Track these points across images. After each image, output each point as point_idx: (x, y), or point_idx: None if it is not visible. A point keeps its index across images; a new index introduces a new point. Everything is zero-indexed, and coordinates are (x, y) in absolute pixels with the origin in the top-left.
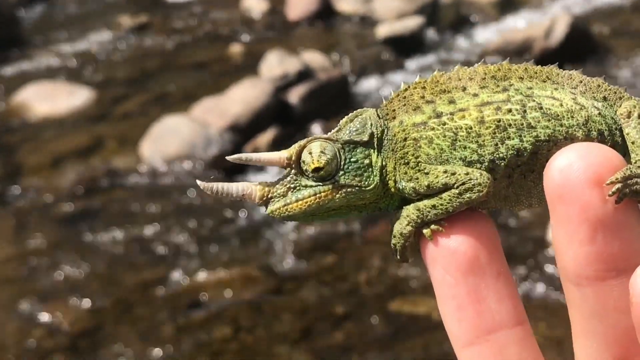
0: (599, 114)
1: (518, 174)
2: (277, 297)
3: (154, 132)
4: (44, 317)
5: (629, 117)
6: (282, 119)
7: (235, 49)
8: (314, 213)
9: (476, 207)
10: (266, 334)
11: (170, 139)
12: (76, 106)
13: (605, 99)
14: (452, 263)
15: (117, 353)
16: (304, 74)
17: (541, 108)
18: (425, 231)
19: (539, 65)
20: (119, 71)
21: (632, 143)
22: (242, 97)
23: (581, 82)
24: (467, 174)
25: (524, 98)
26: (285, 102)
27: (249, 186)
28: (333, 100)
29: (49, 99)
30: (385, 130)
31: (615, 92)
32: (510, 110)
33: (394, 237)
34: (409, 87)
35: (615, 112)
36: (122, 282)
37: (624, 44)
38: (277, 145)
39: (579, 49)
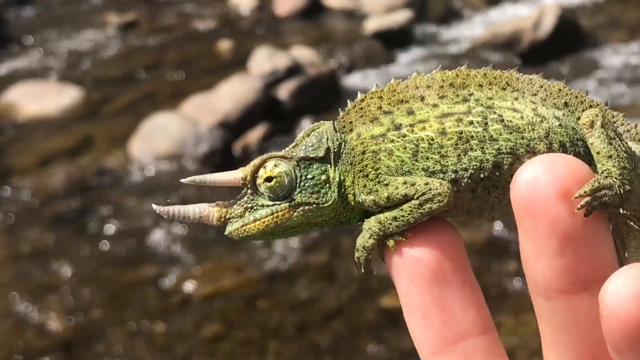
0: (560, 124)
1: (482, 189)
2: (269, 294)
3: (143, 130)
4: (35, 317)
5: (592, 126)
6: (272, 115)
7: (224, 45)
8: (273, 232)
9: (440, 216)
10: (258, 331)
11: (160, 137)
12: (65, 105)
13: (566, 104)
14: (416, 273)
15: (108, 352)
16: (293, 70)
17: (502, 120)
18: (389, 242)
19: (498, 70)
20: (108, 70)
21: (598, 153)
22: (232, 94)
23: (542, 87)
24: (426, 184)
25: (485, 110)
26: (275, 98)
27: (206, 208)
28: (323, 95)
29: (38, 99)
30: (343, 144)
31: (576, 97)
32: (471, 123)
33: (357, 250)
34: (365, 97)
35: (577, 118)
36: (113, 281)
37: (611, 35)
38: (267, 141)
39: (567, 40)
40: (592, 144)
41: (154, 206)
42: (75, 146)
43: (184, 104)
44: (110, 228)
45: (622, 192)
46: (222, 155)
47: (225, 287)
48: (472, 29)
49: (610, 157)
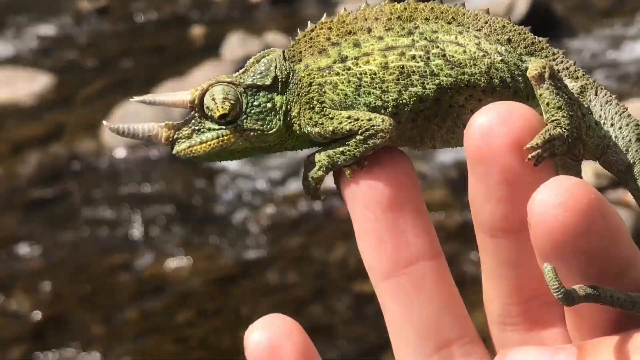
0: (502, 60)
1: (422, 118)
2: (242, 281)
3: (115, 116)
4: (7, 304)
5: (540, 78)
6: None
7: (197, 31)
8: (219, 154)
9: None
10: (231, 317)
11: (133, 123)
12: (36, 92)
13: (509, 40)
14: (371, 199)
15: (82, 339)
16: None
17: (444, 55)
18: (346, 171)
19: (446, 5)
20: (79, 56)
21: (547, 104)
22: (204, 80)
23: (486, 22)
24: (369, 120)
25: (428, 44)
26: None
27: (155, 127)
28: None
29: (8, 85)
30: (291, 73)
31: (520, 33)
32: (414, 57)
33: (306, 179)
34: (315, 27)
35: (520, 54)
36: (86, 268)
37: (584, 19)
38: None
39: (540, 25)
40: (541, 95)
41: (104, 122)
42: (47, 133)
43: (157, 90)
44: (83, 214)
45: (570, 141)
46: None
47: (198, 273)
48: None
49: (559, 108)
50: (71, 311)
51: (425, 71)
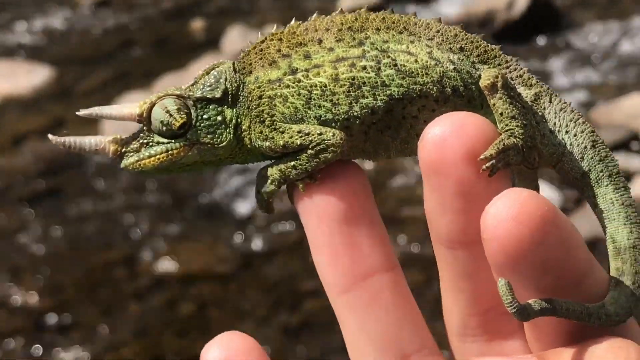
0: (454, 68)
1: (374, 131)
2: (243, 274)
3: None
4: (5, 297)
5: (493, 88)
6: None
7: (197, 24)
8: (168, 168)
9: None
10: (232, 310)
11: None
12: (36, 85)
13: (462, 49)
14: (326, 213)
15: (82, 332)
16: None
17: (395, 65)
18: (299, 185)
19: (397, 14)
20: (79, 49)
21: (501, 114)
22: None
23: (438, 31)
24: (320, 134)
25: (379, 54)
26: None
27: (102, 141)
28: None
29: (8, 78)
30: (241, 86)
31: (472, 42)
32: (364, 68)
33: (259, 193)
34: (265, 38)
35: (472, 63)
36: (86, 261)
37: (585, 14)
38: None
39: (541, 20)
40: (494, 104)
41: (50, 136)
42: (46, 126)
43: (156, 84)
44: (82, 208)
45: (525, 150)
46: None
47: (198, 267)
48: (446, 8)
49: (513, 117)
50: (71, 305)
51: (377, 82)
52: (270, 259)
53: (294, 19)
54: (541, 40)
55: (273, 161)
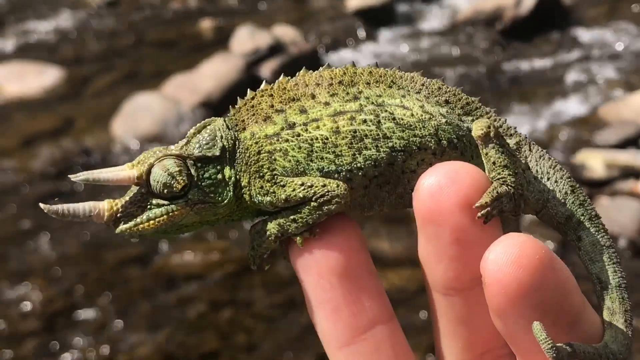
0: (446, 122)
1: (374, 185)
2: (255, 274)
3: (125, 110)
4: (18, 298)
5: (486, 137)
6: None
7: (206, 24)
8: (165, 230)
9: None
10: (243, 310)
11: (142, 117)
12: (46, 86)
13: (447, 102)
14: (326, 268)
15: (94, 331)
16: (275, 48)
17: (394, 119)
18: (297, 240)
19: (382, 68)
20: (89, 49)
21: (494, 163)
22: (214, 73)
23: (423, 85)
24: (324, 186)
25: (376, 108)
26: (257, 77)
27: (97, 206)
28: None
29: (19, 79)
30: (237, 143)
31: (454, 94)
32: (364, 121)
33: (253, 249)
34: (255, 95)
35: (458, 115)
36: (98, 262)
37: (592, 11)
38: None
39: (548, 17)
40: (486, 154)
41: (42, 205)
42: (57, 126)
43: (166, 84)
44: None
45: (516, 197)
46: None
47: (210, 265)
48: (454, 6)
49: (505, 166)
50: (84, 304)
51: (378, 134)
52: (281, 257)
53: (282, 74)
54: (549, 38)
55: (267, 217)
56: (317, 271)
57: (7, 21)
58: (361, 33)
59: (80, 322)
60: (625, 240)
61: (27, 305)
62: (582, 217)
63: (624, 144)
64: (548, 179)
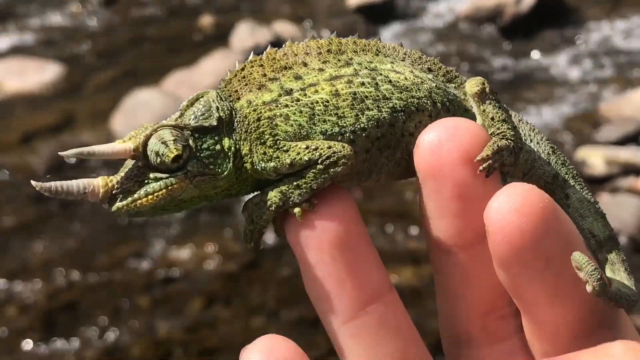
0: (436, 86)
1: (375, 149)
2: (253, 270)
3: (125, 106)
4: (17, 294)
5: (483, 94)
6: None
7: (206, 20)
8: (165, 206)
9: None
10: (241, 306)
11: (142, 113)
12: (46, 82)
13: (430, 69)
14: (327, 241)
15: (93, 327)
16: (275, 45)
17: (390, 81)
18: (296, 211)
19: (364, 39)
20: (89, 45)
21: (492, 119)
22: (213, 69)
23: (405, 54)
24: (329, 147)
25: (371, 72)
26: None
27: (91, 183)
28: None
29: (19, 75)
30: (233, 112)
31: (434, 63)
32: (362, 84)
33: (252, 223)
34: (245, 66)
35: (441, 82)
36: (97, 258)
37: (593, 9)
38: None
39: (549, 14)
40: (484, 110)
41: (34, 183)
42: (57, 123)
43: (166, 80)
44: (92, 205)
45: (516, 151)
46: None
47: (208, 261)
48: (454, 3)
49: (504, 120)
50: (83, 300)
51: (378, 95)
52: (279, 254)
53: (269, 45)
54: (549, 35)
55: (265, 189)
56: (318, 245)
57: (6, 17)
58: (362, 30)
59: (79, 317)
60: (625, 237)
61: (26, 301)
62: (567, 176)
63: (624, 141)
64: (531, 140)
